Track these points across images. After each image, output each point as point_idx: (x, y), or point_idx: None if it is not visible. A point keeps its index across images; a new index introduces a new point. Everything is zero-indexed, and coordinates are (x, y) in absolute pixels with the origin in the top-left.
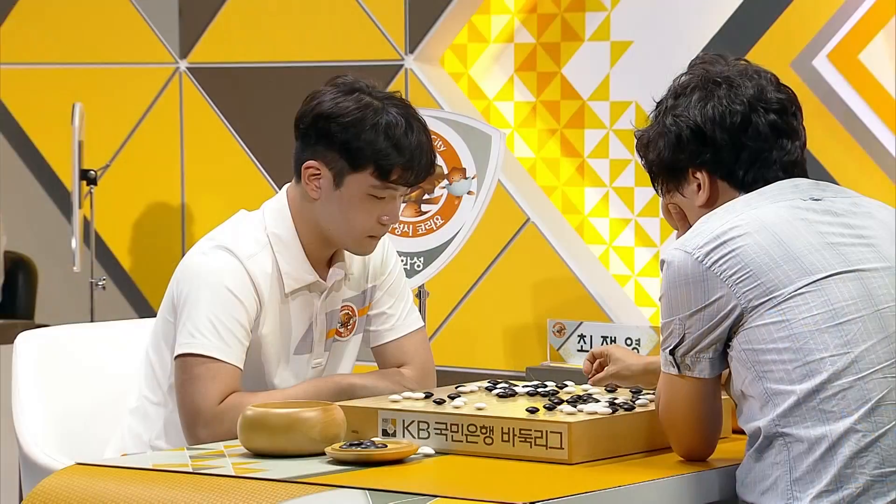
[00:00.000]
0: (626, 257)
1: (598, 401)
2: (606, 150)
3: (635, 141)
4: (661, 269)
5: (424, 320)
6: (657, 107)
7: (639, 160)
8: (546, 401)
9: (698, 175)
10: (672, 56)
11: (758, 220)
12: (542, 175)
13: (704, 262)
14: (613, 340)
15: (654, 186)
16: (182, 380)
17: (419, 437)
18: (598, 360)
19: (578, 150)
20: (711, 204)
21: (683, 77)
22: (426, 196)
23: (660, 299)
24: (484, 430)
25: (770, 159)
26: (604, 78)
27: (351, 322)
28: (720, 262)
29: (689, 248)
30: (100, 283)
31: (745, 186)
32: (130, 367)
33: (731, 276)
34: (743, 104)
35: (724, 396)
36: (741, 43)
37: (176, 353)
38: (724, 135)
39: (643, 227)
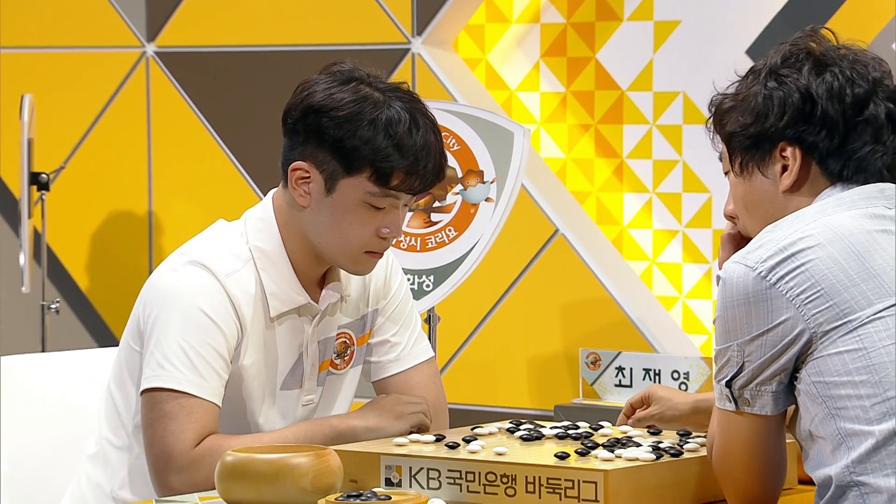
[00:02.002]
0: (672, 275)
1: (639, 445)
2: (649, 149)
3: (711, 107)
4: (716, 287)
5: (435, 350)
6: (750, 73)
7: (708, 132)
8: (578, 445)
9: (788, 152)
10: (726, 38)
11: (831, 228)
12: (573, 178)
13: (768, 279)
14: (658, 374)
15: (726, 165)
16: (150, 419)
17: (429, 488)
18: (639, 410)
19: (616, 149)
20: (796, 189)
21: (787, 47)
22: (437, 204)
23: (713, 322)
24: (505, 480)
25: (875, 151)
26: (646, 64)
27: (348, 352)
28: (787, 278)
29: (750, 261)
30: (52, 306)
31: (841, 179)
32: (89, 404)
33: (798, 296)
34: (867, 82)
35: (788, 439)
36: (808, 21)
37: (142, 388)
38: (838, 109)
39: (692, 240)
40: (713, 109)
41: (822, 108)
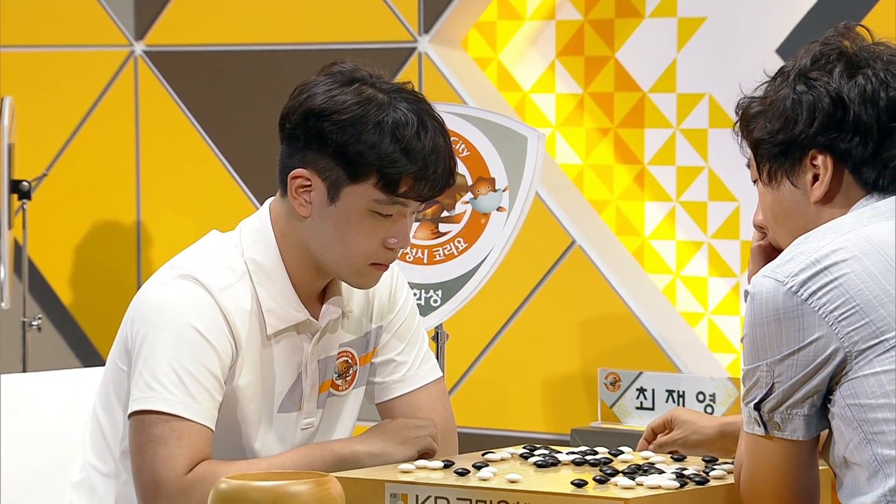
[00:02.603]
0: (697, 290)
1: (662, 472)
2: (672, 155)
3: (738, 111)
4: (744, 303)
5: (443, 370)
6: (778, 74)
7: (735, 137)
8: (597, 472)
9: (819, 160)
10: (755, 36)
11: (867, 240)
12: (591, 186)
13: (800, 294)
14: (681, 396)
15: (754, 174)
16: (139, 444)
17: None
18: (660, 435)
19: (637, 154)
20: (828, 200)
21: (818, 46)
22: (445, 213)
23: (741, 341)
24: None
25: None
26: (669, 64)
27: (350, 372)
28: (819, 293)
29: (780, 275)
30: (34, 323)
31: (877, 188)
32: (73, 428)
33: (832, 312)
34: None
35: (821, 465)
36: (842, 18)
37: (130, 411)
38: (871, 113)
39: (719, 252)
40: (739, 114)
41: (855, 113)
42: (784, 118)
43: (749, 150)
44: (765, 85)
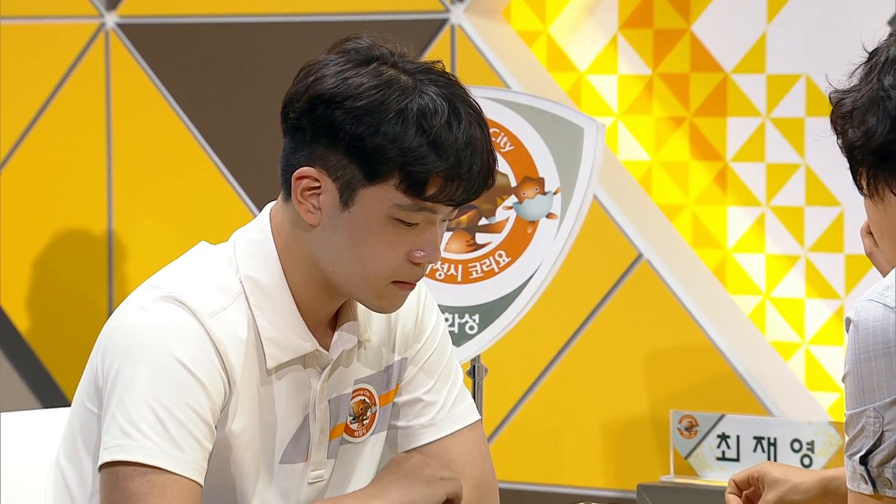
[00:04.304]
0: (792, 315)
1: None
2: (761, 150)
3: (832, 109)
4: (847, 333)
5: (481, 412)
6: (870, 59)
7: (835, 137)
8: None
9: None
10: (862, 4)
11: None
12: (661, 188)
13: None
14: (773, 444)
15: (855, 182)
16: (112, 502)
17: None
18: (745, 492)
19: (718, 149)
20: None
21: None
22: (483, 221)
23: (843, 379)
24: None
25: None
26: (757, 39)
27: (368, 414)
28: None
29: (890, 299)
30: None
31: None
32: (31, 483)
33: None
34: None
35: None
36: None
37: (101, 462)
38: None
39: (818, 269)
40: (832, 112)
41: None
42: (877, 116)
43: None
44: (859, 70)
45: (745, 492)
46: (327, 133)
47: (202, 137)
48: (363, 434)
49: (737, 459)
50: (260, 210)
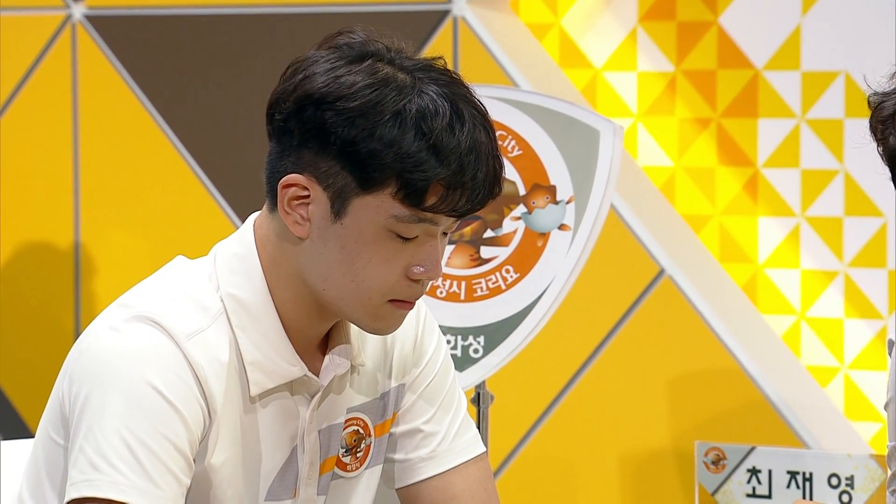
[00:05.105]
0: (829, 336)
1: None
2: (796, 155)
3: (871, 113)
4: (890, 356)
5: (486, 444)
6: None
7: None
8: None
9: None
10: None
11: None
12: (685, 196)
13: None
14: (808, 479)
15: None
16: None
17: None
18: None
19: (748, 154)
20: None
21: None
22: (489, 233)
23: (885, 408)
24: None
25: None
26: (791, 32)
27: (362, 446)
28: None
29: None
30: None
31: None
32: None
33: None
34: None
35: None
36: None
37: (69, 498)
38: None
39: (858, 286)
40: (871, 115)
41: None
42: None
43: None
44: None
45: None
46: (317, 137)
47: (179, 141)
48: (357, 468)
49: (768, 496)
50: (243, 221)
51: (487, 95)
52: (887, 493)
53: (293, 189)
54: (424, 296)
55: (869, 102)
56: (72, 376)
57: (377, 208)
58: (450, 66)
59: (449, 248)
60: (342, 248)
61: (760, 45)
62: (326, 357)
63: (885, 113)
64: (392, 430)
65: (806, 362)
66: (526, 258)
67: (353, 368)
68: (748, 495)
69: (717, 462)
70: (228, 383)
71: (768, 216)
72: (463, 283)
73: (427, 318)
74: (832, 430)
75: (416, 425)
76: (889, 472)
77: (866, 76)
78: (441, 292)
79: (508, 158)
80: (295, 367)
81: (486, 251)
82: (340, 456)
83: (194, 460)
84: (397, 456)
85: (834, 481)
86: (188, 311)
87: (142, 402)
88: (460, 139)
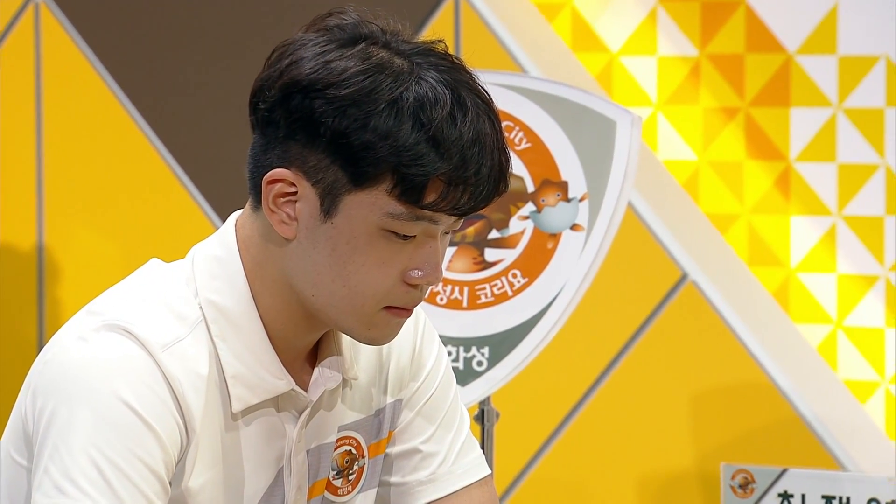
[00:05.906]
0: (869, 348)
1: None
2: (832, 148)
3: None
4: None
5: (492, 465)
6: None
7: None
8: None
9: None
10: None
11: None
12: (710, 193)
13: None
14: (846, 503)
15: None
16: None
17: None
18: None
19: (780, 147)
20: None
21: None
22: (494, 233)
23: None
24: None
25: None
26: (826, 13)
27: (355, 468)
28: None
29: None
30: None
31: None
32: None
33: None
34: None
35: None
36: None
37: None
38: None
39: None
40: None
41: None
42: None
43: None
44: None
45: None
46: (305, 128)
47: (152, 132)
48: (349, 492)
49: None
50: (224, 220)
51: (492, 82)
52: None
53: (279, 185)
54: (423, 303)
55: None
56: (35, 390)
57: (371, 206)
58: (451, 51)
59: (450, 251)
60: (333, 249)
61: (793, 27)
62: (316, 370)
63: None
64: (388, 450)
65: (843, 376)
66: (535, 261)
67: (344, 382)
68: None
69: (746, 486)
70: (208, 398)
71: (802, 215)
72: (466, 289)
73: (426, 327)
74: (872, 451)
75: (414, 445)
76: None
77: None
78: (442, 299)
79: (515, 152)
80: (281, 381)
81: (490, 254)
82: (331, 479)
83: (170, 483)
84: (393, 479)
85: None
86: (163, 320)
87: (112, 419)
88: (462, 130)
